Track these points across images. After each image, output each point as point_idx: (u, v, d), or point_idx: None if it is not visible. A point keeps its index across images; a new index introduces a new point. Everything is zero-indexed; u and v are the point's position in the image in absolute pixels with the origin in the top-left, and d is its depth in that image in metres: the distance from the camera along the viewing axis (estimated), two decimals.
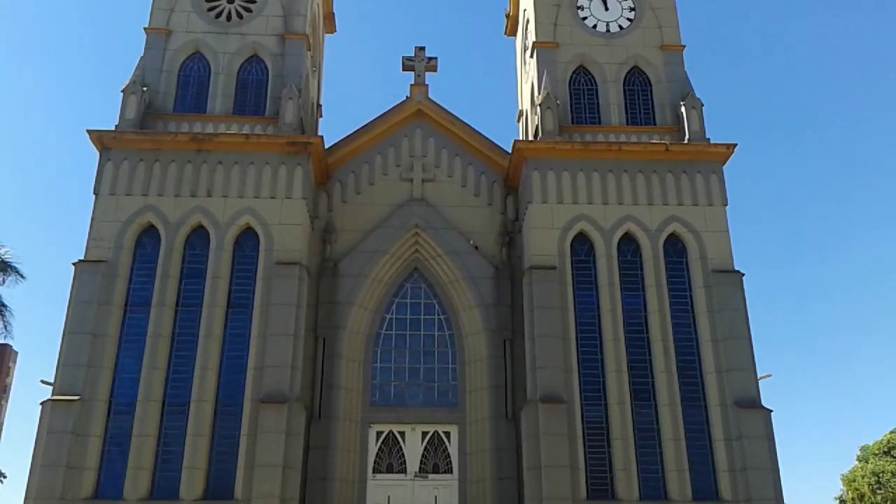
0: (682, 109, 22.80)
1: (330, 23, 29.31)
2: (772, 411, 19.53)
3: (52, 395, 18.82)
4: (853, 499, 46.85)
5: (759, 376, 20.13)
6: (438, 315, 22.16)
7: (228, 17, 23.76)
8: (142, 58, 22.84)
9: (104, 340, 19.33)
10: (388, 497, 20.26)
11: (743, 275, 20.89)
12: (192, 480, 18.44)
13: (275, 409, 18.77)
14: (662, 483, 19.14)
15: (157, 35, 23.19)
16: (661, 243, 21.32)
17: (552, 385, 19.44)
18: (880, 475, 44.64)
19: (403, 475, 20.56)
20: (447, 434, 20.96)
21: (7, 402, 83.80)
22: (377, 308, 21.97)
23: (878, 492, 44.28)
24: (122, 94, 21.97)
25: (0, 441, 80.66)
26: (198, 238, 20.98)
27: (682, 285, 21.12)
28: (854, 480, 46.76)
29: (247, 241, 21.06)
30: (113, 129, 21.48)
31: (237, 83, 23.11)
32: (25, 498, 17.95)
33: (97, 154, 21.40)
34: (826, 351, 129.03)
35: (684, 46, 24.15)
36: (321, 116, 28.16)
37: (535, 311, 20.23)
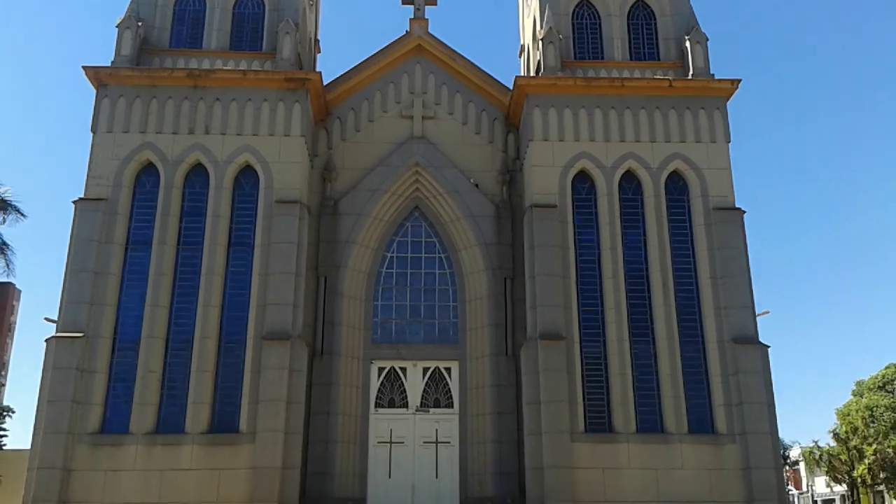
0: (687, 44, 22.41)
1: None
2: (769, 347, 19.77)
3: (57, 332, 19.02)
4: (846, 432, 47.81)
5: (757, 313, 20.30)
6: (439, 254, 22.22)
7: None
8: None
9: (106, 278, 19.44)
10: (391, 430, 20.67)
11: (744, 212, 20.87)
12: (197, 415, 18.79)
13: (278, 346, 18.99)
14: (659, 417, 19.48)
15: None
16: (662, 181, 21.23)
17: (552, 322, 19.62)
18: (874, 409, 45.46)
19: (405, 409, 20.93)
20: (448, 370, 21.26)
21: (12, 340, 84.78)
22: (378, 247, 22.02)
23: (872, 425, 45.16)
24: (117, 29, 21.57)
25: (6, 378, 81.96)
26: (197, 176, 20.89)
27: (682, 223, 21.11)
28: (848, 414, 47.64)
29: (246, 180, 20.97)
30: (109, 65, 21.16)
31: (233, 18, 22.66)
32: (34, 432, 18.33)
33: (94, 91, 21.12)
34: (824, 288, 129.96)
35: None
36: (319, 52, 27.68)
37: (536, 250, 20.27)
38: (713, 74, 22.10)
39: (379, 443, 20.56)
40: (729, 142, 21.57)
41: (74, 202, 20.04)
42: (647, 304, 20.38)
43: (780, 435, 19.10)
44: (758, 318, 20.24)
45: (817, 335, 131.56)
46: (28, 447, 18.57)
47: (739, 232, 20.61)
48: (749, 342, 19.61)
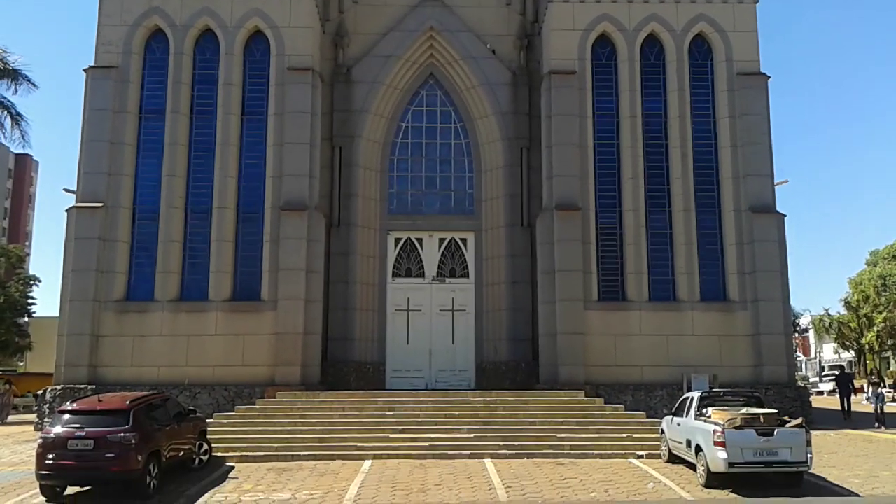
0: None
1: None
2: (785, 216, 19.68)
3: (77, 202, 19.22)
4: (858, 300, 48.25)
5: (776, 182, 20.08)
6: (454, 123, 21.88)
7: None
8: None
9: (122, 148, 19.42)
10: (408, 298, 21.13)
11: (769, 77, 20.21)
12: (219, 283, 19.23)
13: (295, 216, 19.14)
14: (672, 286, 19.74)
15: None
16: (686, 44, 20.49)
17: (568, 193, 19.54)
18: (886, 278, 45.63)
19: (422, 279, 21.29)
20: (463, 241, 21.44)
21: (33, 210, 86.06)
22: (392, 116, 21.69)
23: (883, 293, 45.48)
24: None
25: (31, 248, 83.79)
26: (207, 42, 20.38)
27: (704, 89, 20.54)
28: (861, 283, 47.90)
29: (257, 46, 20.44)
30: None
31: None
32: (61, 301, 18.92)
33: None
34: (845, 157, 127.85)
35: None
36: None
37: (553, 119, 19.90)
38: None
39: (397, 311, 21.08)
40: (756, 2, 20.60)
41: (85, 70, 19.72)
42: (665, 173, 20.18)
43: (792, 303, 19.35)
44: (776, 187, 20.05)
45: (835, 204, 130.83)
46: (57, 315, 19.18)
47: (763, 98, 20.06)
48: (766, 211, 19.52)
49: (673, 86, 20.37)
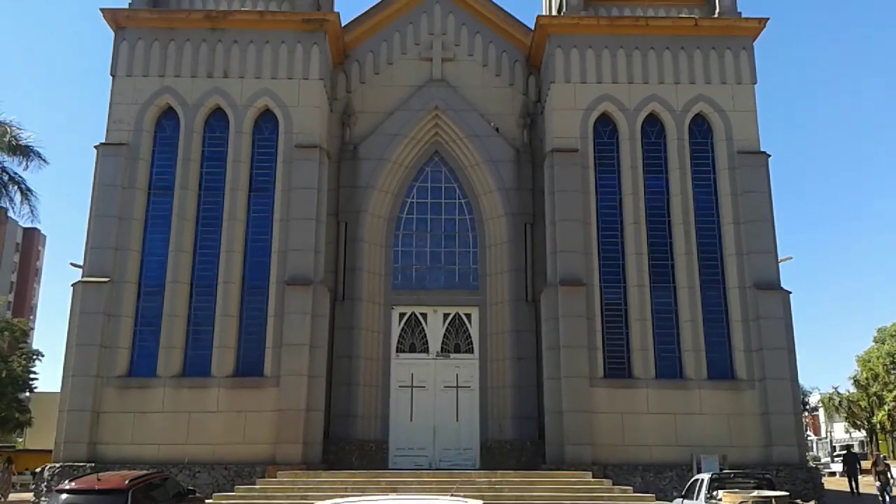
0: None
1: None
2: (790, 293, 19.64)
3: (83, 277, 19.29)
4: (867, 378, 47.72)
5: (780, 258, 20.11)
6: (459, 199, 22.13)
7: None
8: None
9: (130, 223, 19.61)
10: (412, 374, 20.93)
11: (769, 156, 20.50)
12: (222, 358, 19.12)
13: (300, 291, 19.16)
14: (678, 363, 19.53)
15: None
16: (686, 124, 20.86)
17: (572, 268, 19.58)
18: (895, 356, 45.21)
19: (426, 355, 21.14)
20: (468, 316, 21.38)
21: (39, 285, 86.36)
22: (398, 192, 21.96)
23: (892, 371, 45.01)
24: None
25: (35, 322, 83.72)
26: (217, 120, 20.82)
27: (706, 167, 20.80)
28: (869, 361, 47.45)
29: (266, 124, 20.88)
30: (126, 7, 20.97)
31: None
32: (63, 376, 18.78)
33: (112, 34, 20.96)
34: (848, 234, 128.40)
35: None
36: None
37: (557, 195, 20.11)
38: (740, 13, 21.50)
39: (400, 387, 20.86)
40: (755, 83, 21.08)
41: (96, 147, 20.10)
42: (669, 249, 20.25)
43: (800, 381, 19.12)
44: (780, 264, 20.06)
45: (840, 281, 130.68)
46: (58, 390, 19.02)
47: (764, 176, 20.28)
48: (771, 288, 19.48)
49: (674, 164, 20.64)
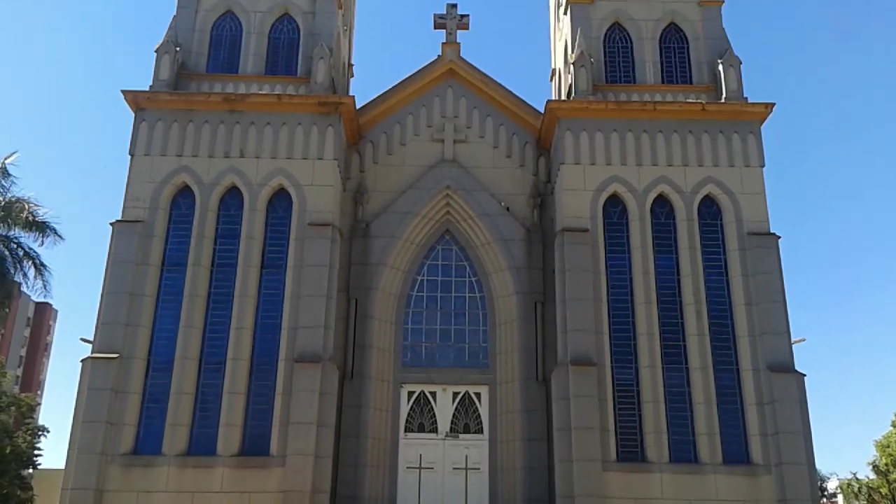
0: (720, 67, 22.26)
1: None
2: (805, 376, 19.38)
3: (92, 352, 19.29)
4: (887, 464, 46.49)
5: (793, 340, 19.93)
6: (469, 277, 22.19)
7: None
8: (174, 18, 22.80)
9: (142, 300, 19.70)
10: (420, 455, 20.56)
11: (779, 238, 20.58)
12: (228, 437, 18.87)
13: (309, 369, 19.05)
14: (693, 447, 19.13)
15: None
16: (695, 205, 21.02)
17: (583, 348, 19.44)
18: None
19: (435, 435, 20.82)
20: (478, 395, 21.14)
21: (48, 359, 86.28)
22: (408, 269, 22.06)
23: None
24: (155, 54, 22.03)
25: (42, 397, 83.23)
26: (232, 198, 21.15)
27: (716, 248, 20.85)
28: (888, 446, 46.33)
29: (280, 202, 21.19)
30: (147, 89, 21.59)
31: (269, 43, 23.00)
32: (68, 452, 18.57)
33: (132, 115, 21.56)
34: (863, 314, 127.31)
35: (723, 2, 23.47)
36: (352, 76, 28.02)
37: (567, 274, 20.15)
38: (747, 98, 21.92)
39: (408, 468, 20.46)
40: (763, 166, 21.33)
41: (112, 224, 20.40)
42: (680, 330, 20.11)
43: (818, 466, 18.71)
44: (794, 346, 19.87)
45: (855, 364, 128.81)
46: (62, 467, 18.78)
47: (774, 257, 20.30)
48: (785, 370, 19.23)
49: (684, 244, 20.72)
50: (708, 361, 19.66)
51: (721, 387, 19.53)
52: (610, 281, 20.52)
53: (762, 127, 21.77)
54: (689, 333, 19.95)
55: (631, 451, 19.12)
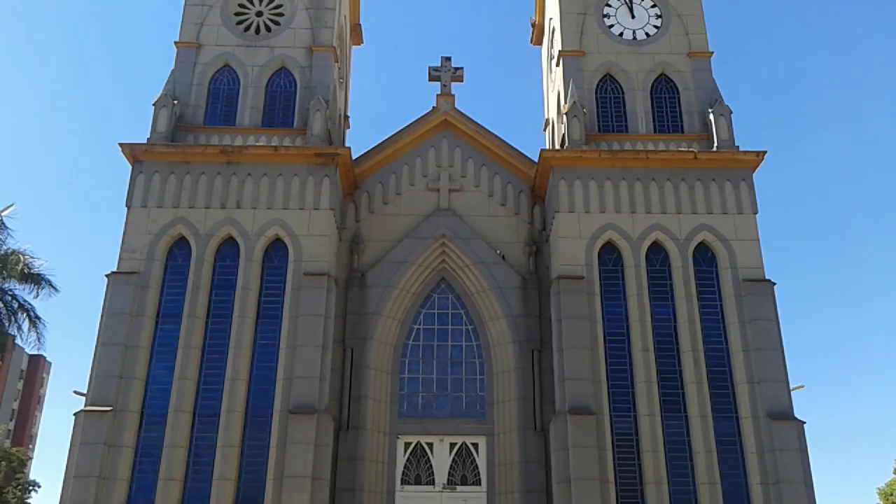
0: (711, 117, 22.59)
1: (357, 35, 29.53)
2: (805, 423, 19.23)
3: (85, 406, 19.09)
4: None
5: (791, 387, 19.83)
6: (466, 325, 22.14)
7: (257, 31, 24.05)
8: (172, 71, 23.16)
9: (136, 352, 19.58)
10: None
11: (774, 284, 20.61)
12: (222, 491, 18.56)
13: (304, 420, 18.85)
14: (694, 496, 18.86)
15: (188, 49, 23.51)
16: (690, 252, 21.11)
17: (581, 396, 19.29)
18: None
19: (432, 487, 20.51)
20: (475, 446, 20.89)
21: (41, 412, 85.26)
22: (405, 318, 22.01)
23: None
24: (153, 107, 22.29)
25: (34, 451, 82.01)
26: (228, 249, 21.19)
27: (712, 295, 20.88)
28: (891, 494, 45.67)
29: (276, 252, 21.23)
30: (145, 142, 21.79)
31: (266, 95, 23.33)
32: None
33: (129, 167, 21.71)
34: (861, 360, 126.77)
35: (712, 53, 23.96)
36: (349, 128, 28.36)
37: (563, 322, 20.12)
38: (738, 146, 22.20)
39: None
40: (756, 213, 21.49)
41: (107, 275, 20.37)
42: (679, 377, 20.01)
43: None
44: (793, 393, 19.75)
45: (854, 410, 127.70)
46: None
47: (770, 304, 20.32)
48: (784, 418, 19.09)
49: (680, 292, 20.74)
50: (707, 409, 19.52)
51: (721, 435, 19.35)
52: (607, 328, 20.48)
53: (755, 174, 22.02)
54: (688, 381, 19.84)
55: (631, 501, 18.83)
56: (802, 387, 21.44)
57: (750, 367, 19.73)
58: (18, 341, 25.40)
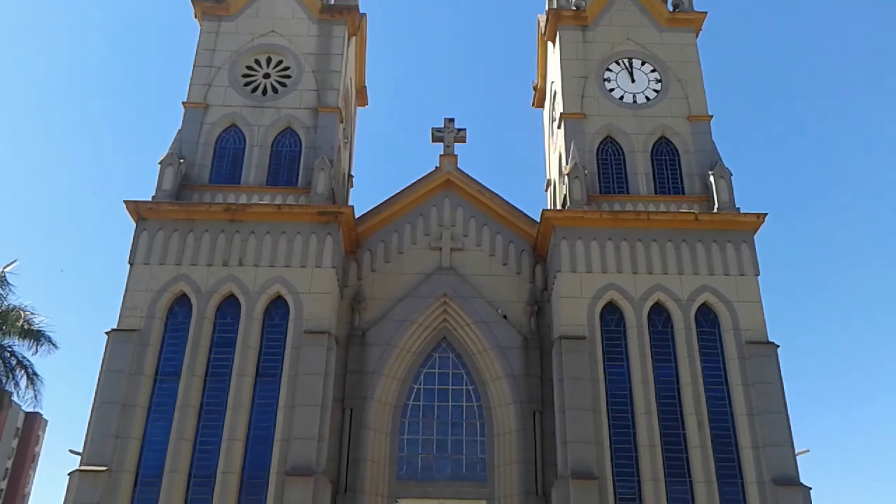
0: (711, 179, 22.77)
1: (362, 96, 30.06)
2: (811, 489, 18.88)
3: (80, 465, 18.78)
4: None
5: (797, 451, 19.51)
6: (467, 385, 21.93)
7: (264, 92, 24.47)
8: (179, 131, 23.49)
9: (133, 410, 19.36)
10: None
11: (778, 346, 20.48)
12: None
13: (301, 483, 18.51)
14: None
15: (195, 109, 23.91)
16: (692, 313, 21.03)
17: (583, 460, 18.97)
18: None
19: None
20: None
21: (35, 471, 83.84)
22: (405, 378, 21.82)
23: None
24: (159, 166, 22.53)
25: None
26: (229, 307, 21.14)
27: (715, 357, 20.72)
28: None
29: (277, 310, 21.17)
30: (150, 199, 21.96)
31: (271, 154, 23.61)
32: None
33: (133, 224, 21.82)
34: (868, 423, 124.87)
35: (712, 116, 24.30)
36: (352, 186, 28.62)
37: (565, 383, 19.92)
38: (739, 208, 22.32)
39: None
40: (758, 275, 21.47)
41: (107, 332, 20.28)
42: (683, 441, 19.71)
43: None
44: (798, 457, 19.43)
45: (861, 475, 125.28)
46: None
47: (774, 367, 20.14)
48: (790, 483, 18.74)
49: (683, 353, 20.59)
50: (712, 474, 19.16)
51: (726, 500, 18.95)
52: (609, 390, 20.26)
53: (756, 235, 22.07)
54: (692, 445, 19.53)
55: None
56: (808, 451, 21.04)
57: (754, 430, 19.44)
58: (15, 398, 25.18)
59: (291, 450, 19.02)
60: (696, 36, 25.85)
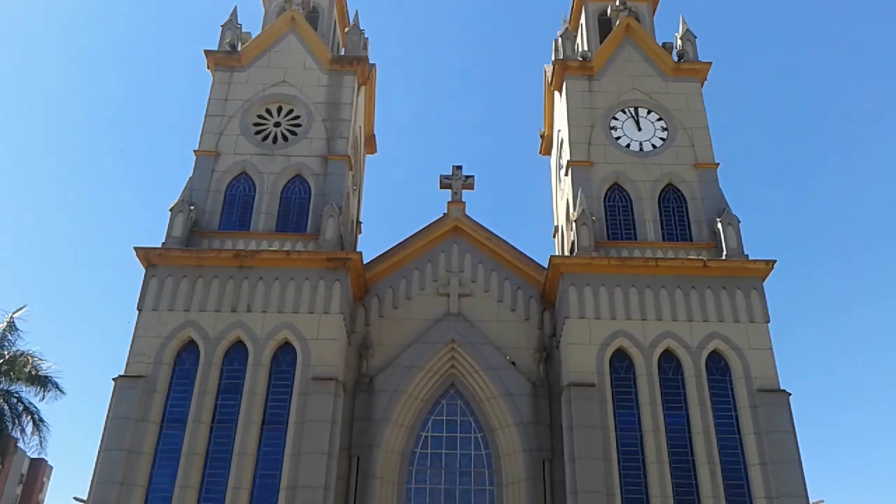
0: (719, 226, 22.79)
1: (371, 144, 30.42)
2: None
3: None
4: None
5: (811, 502, 19.11)
6: (475, 433, 21.69)
7: (274, 140, 24.79)
8: (190, 178, 23.74)
9: (139, 458, 19.19)
10: None
11: (790, 394, 20.22)
12: None
13: None
14: None
15: (206, 157, 24.20)
16: (703, 361, 20.83)
17: None
18: None
19: None
20: None
21: None
22: (413, 425, 21.60)
23: None
24: (169, 212, 22.72)
25: None
26: (236, 353, 21.09)
27: (726, 404, 20.45)
28: None
29: (284, 356, 21.11)
30: (159, 246, 22.09)
31: (280, 202, 23.80)
32: None
33: (142, 270, 21.92)
34: (883, 472, 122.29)
35: (718, 164, 24.42)
36: (361, 233, 28.78)
37: (575, 431, 19.68)
38: (747, 255, 22.26)
39: None
40: (768, 322, 21.30)
41: (114, 379, 20.21)
42: (695, 491, 19.33)
43: None
44: None
45: None
46: None
47: (786, 415, 19.85)
48: None
49: (694, 401, 20.35)
50: None
51: None
52: (619, 438, 19.97)
53: (766, 283, 21.97)
54: (704, 496, 19.15)
55: None
56: (823, 502, 20.66)
57: (768, 481, 19.07)
58: (21, 444, 25.04)
59: (297, 499, 18.75)
60: (702, 85, 26.16)
